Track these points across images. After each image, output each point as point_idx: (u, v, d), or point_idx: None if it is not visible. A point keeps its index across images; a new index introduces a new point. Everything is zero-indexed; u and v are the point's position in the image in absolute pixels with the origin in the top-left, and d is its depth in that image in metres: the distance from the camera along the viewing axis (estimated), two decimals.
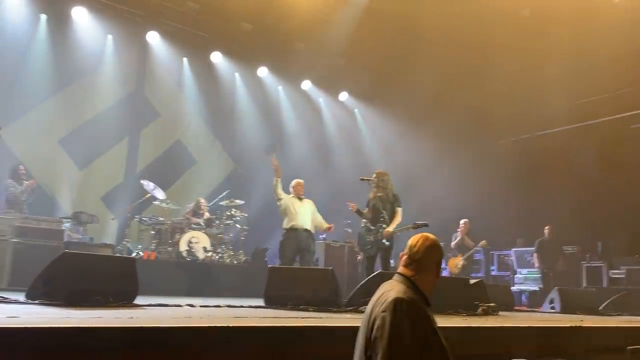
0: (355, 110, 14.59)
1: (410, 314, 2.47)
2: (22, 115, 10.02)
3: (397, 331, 2.44)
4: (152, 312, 4.54)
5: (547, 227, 11.04)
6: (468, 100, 12.18)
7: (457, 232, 10.91)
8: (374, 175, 7.57)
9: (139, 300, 5.09)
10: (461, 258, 10.62)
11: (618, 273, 10.39)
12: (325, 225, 8.30)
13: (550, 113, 12.14)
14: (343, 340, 3.02)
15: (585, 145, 11.63)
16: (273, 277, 6.13)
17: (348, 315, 5.10)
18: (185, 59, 12.15)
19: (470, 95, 12.08)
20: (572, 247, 11.34)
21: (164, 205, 10.00)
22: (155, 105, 12.01)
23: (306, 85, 13.71)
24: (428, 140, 12.72)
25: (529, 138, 13.37)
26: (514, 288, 11.14)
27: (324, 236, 10.56)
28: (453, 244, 10.84)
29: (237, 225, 10.36)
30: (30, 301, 4.61)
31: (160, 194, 9.98)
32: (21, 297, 4.77)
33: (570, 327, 5.02)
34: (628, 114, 11.66)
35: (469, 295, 6.49)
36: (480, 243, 10.69)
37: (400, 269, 2.77)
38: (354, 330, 2.77)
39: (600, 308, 8.20)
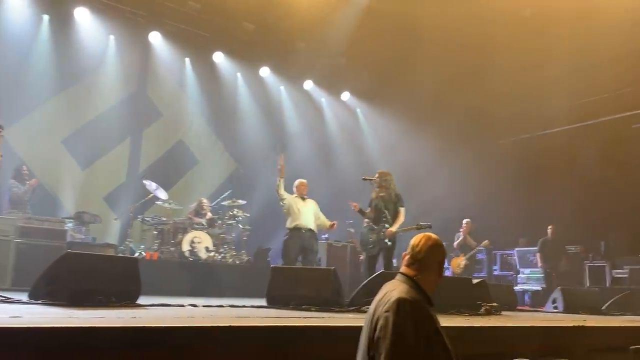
0: (357, 109, 14.59)
1: (413, 314, 2.47)
2: (25, 116, 10.04)
3: (400, 331, 2.44)
4: (154, 312, 4.54)
5: (550, 227, 11.03)
6: (469, 100, 12.18)
7: (459, 231, 10.91)
8: (377, 175, 7.56)
9: (141, 300, 5.09)
10: (463, 258, 10.62)
11: (621, 273, 10.37)
12: (328, 222, 8.28)
13: (551, 113, 12.13)
14: (345, 340, 3.02)
15: (586, 144, 11.63)
16: (275, 277, 6.13)
17: (350, 315, 5.10)
18: (187, 59, 12.17)
19: (471, 95, 12.07)
20: (574, 246, 11.32)
21: (166, 205, 10.01)
22: (157, 106, 12.03)
23: (308, 85, 13.72)
24: (429, 140, 12.72)
25: (530, 138, 13.35)
26: (517, 288, 11.13)
27: (326, 236, 10.56)
28: (455, 243, 10.85)
29: (240, 225, 10.37)
30: (33, 301, 4.61)
31: (162, 194, 10.00)
32: (24, 297, 4.77)
33: (573, 326, 5.01)
34: (629, 113, 11.65)
35: (471, 295, 6.48)
36: (483, 243, 10.70)
37: (403, 269, 2.77)
38: (356, 330, 2.77)
39: (603, 308, 8.19)
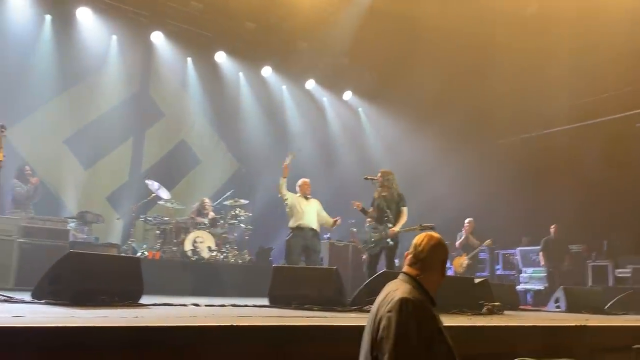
0: (360, 109, 14.58)
1: (416, 314, 2.47)
2: (28, 116, 10.06)
3: (403, 331, 2.44)
4: (157, 312, 4.55)
5: (553, 226, 11.01)
6: (471, 99, 12.17)
7: (461, 231, 10.89)
8: (379, 175, 7.56)
9: (144, 299, 5.10)
10: (466, 257, 10.60)
11: (624, 272, 10.35)
12: (332, 220, 8.26)
13: (553, 112, 12.13)
14: (347, 340, 3.02)
15: (588, 144, 11.61)
16: (277, 276, 6.13)
17: (352, 315, 5.10)
18: (189, 59, 12.17)
19: (472, 94, 12.07)
20: (577, 246, 11.31)
21: (168, 205, 10.02)
22: (159, 105, 12.04)
23: (310, 84, 13.71)
24: (431, 140, 12.71)
25: (531, 137, 13.34)
26: (519, 287, 11.13)
27: (328, 235, 10.55)
28: (458, 243, 10.83)
29: (242, 225, 10.36)
30: (36, 301, 4.63)
31: (164, 193, 10.01)
32: (27, 296, 4.80)
33: (576, 326, 5.01)
34: (631, 112, 11.63)
35: (473, 295, 6.48)
36: (485, 242, 10.67)
37: (405, 268, 2.76)
38: (358, 329, 2.77)
39: (606, 307, 8.17)
